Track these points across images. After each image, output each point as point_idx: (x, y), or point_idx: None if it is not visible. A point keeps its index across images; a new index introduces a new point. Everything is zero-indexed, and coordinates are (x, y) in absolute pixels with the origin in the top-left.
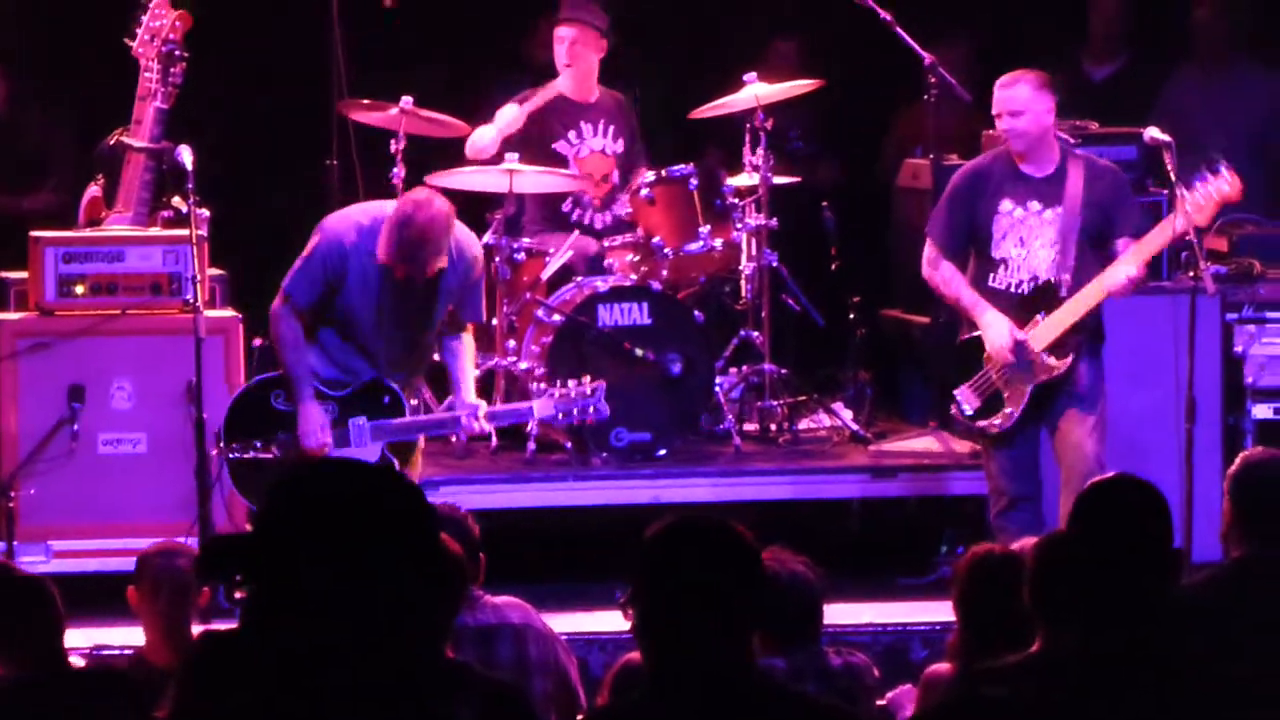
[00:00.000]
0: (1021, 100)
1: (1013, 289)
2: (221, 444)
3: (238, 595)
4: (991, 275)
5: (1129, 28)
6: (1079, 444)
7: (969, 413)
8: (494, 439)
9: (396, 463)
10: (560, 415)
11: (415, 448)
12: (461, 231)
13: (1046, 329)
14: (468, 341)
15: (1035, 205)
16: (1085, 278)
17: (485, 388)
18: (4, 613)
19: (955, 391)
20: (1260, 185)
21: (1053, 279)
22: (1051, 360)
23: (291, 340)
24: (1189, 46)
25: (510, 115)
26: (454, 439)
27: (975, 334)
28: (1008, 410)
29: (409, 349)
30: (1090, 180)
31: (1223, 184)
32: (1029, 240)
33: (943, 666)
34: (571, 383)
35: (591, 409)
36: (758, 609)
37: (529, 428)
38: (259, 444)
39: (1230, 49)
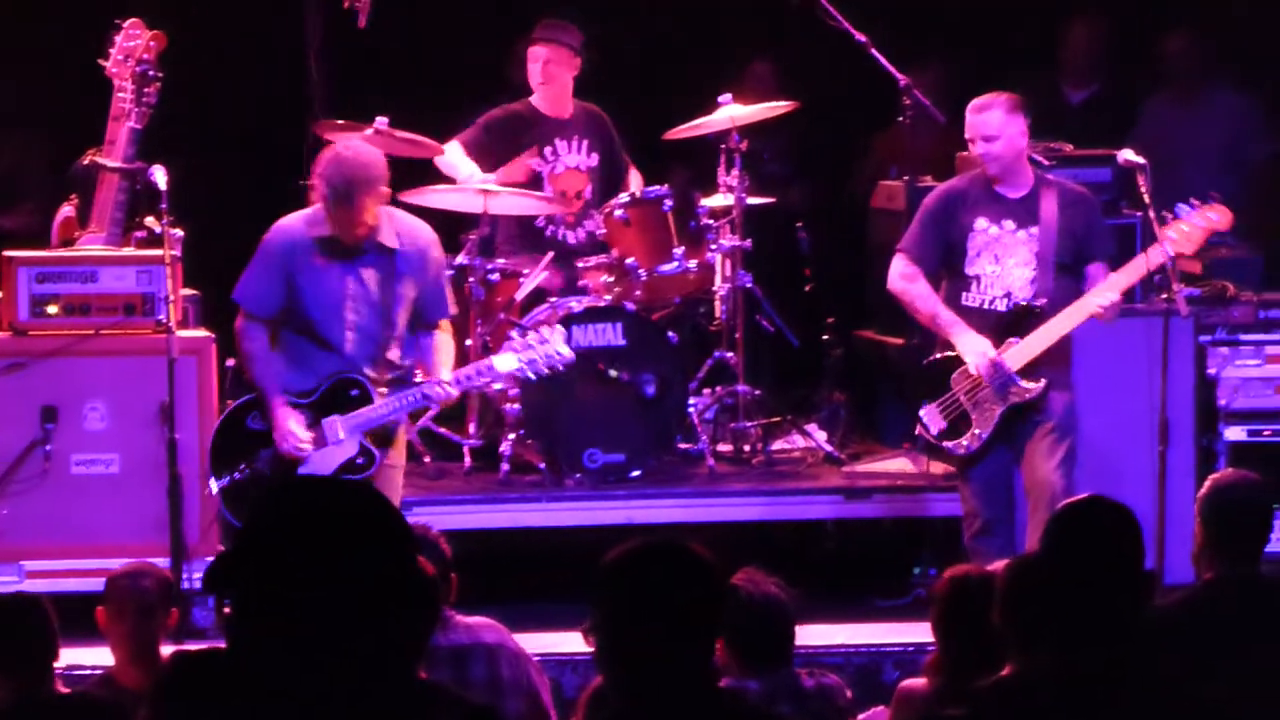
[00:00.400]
0: (995, 125)
1: (986, 305)
2: (213, 482)
3: (226, 612)
4: (965, 293)
5: (1104, 53)
6: (1047, 477)
7: (934, 432)
8: (468, 460)
9: (379, 453)
10: (523, 366)
11: (396, 433)
12: (407, 216)
13: (1021, 351)
14: (440, 336)
15: (1010, 224)
16: (1058, 302)
17: (460, 409)
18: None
19: (920, 410)
20: (1234, 205)
21: (1028, 301)
22: (1024, 383)
23: (257, 353)
24: (1163, 73)
25: (474, 177)
26: (427, 459)
27: (943, 355)
28: (976, 432)
29: (373, 340)
30: (1064, 205)
31: (1211, 214)
32: (1003, 258)
33: (918, 681)
34: (531, 333)
35: (556, 353)
36: (718, 628)
37: (503, 448)
38: (243, 466)
39: (1203, 74)
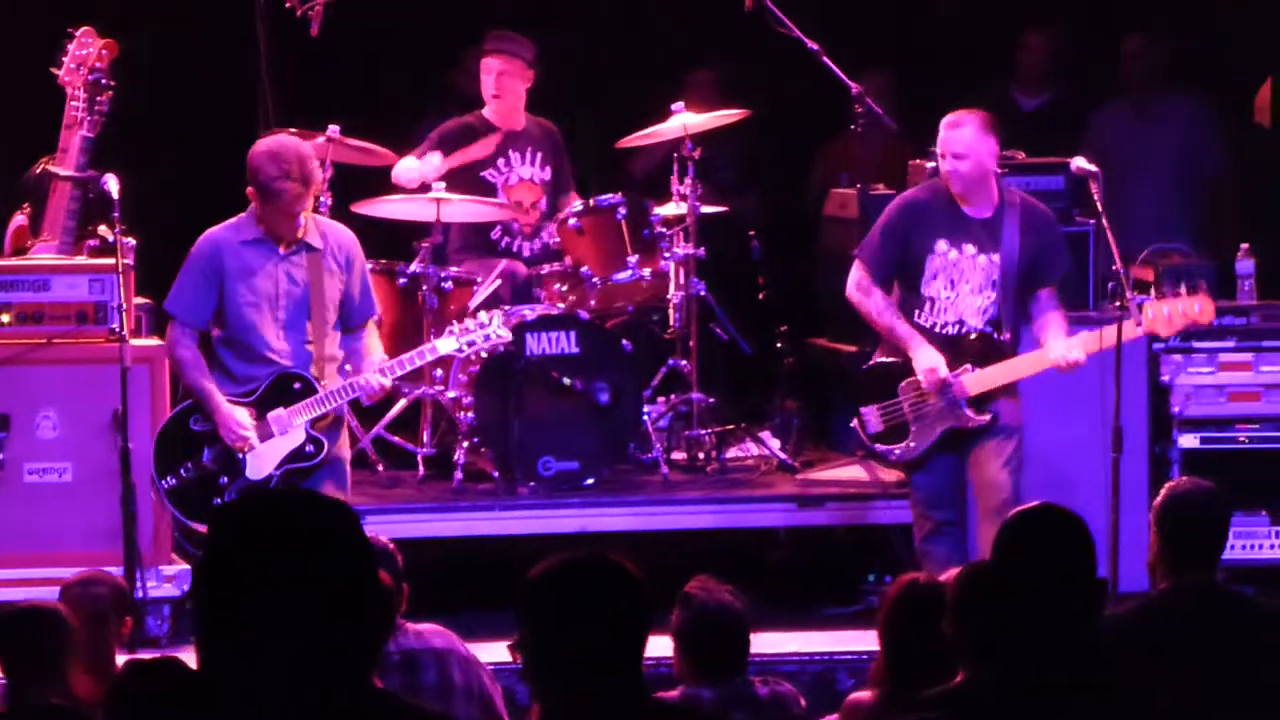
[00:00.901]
0: (966, 143)
1: (936, 328)
2: (158, 482)
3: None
4: (917, 310)
5: (1058, 63)
6: (994, 480)
7: (870, 432)
8: (421, 468)
9: (326, 441)
10: (464, 348)
11: (340, 426)
12: (325, 219)
13: (975, 381)
14: (367, 336)
15: (970, 249)
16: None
17: (413, 417)
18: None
19: (862, 409)
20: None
21: (983, 329)
22: (970, 412)
23: (190, 359)
24: (1118, 79)
25: (434, 163)
26: (380, 468)
27: (886, 360)
28: (911, 444)
29: (307, 337)
30: (1026, 226)
31: (1196, 305)
32: (959, 283)
33: (864, 694)
34: (469, 319)
35: (494, 334)
36: (645, 641)
37: (456, 457)
38: (189, 464)
39: (1156, 81)
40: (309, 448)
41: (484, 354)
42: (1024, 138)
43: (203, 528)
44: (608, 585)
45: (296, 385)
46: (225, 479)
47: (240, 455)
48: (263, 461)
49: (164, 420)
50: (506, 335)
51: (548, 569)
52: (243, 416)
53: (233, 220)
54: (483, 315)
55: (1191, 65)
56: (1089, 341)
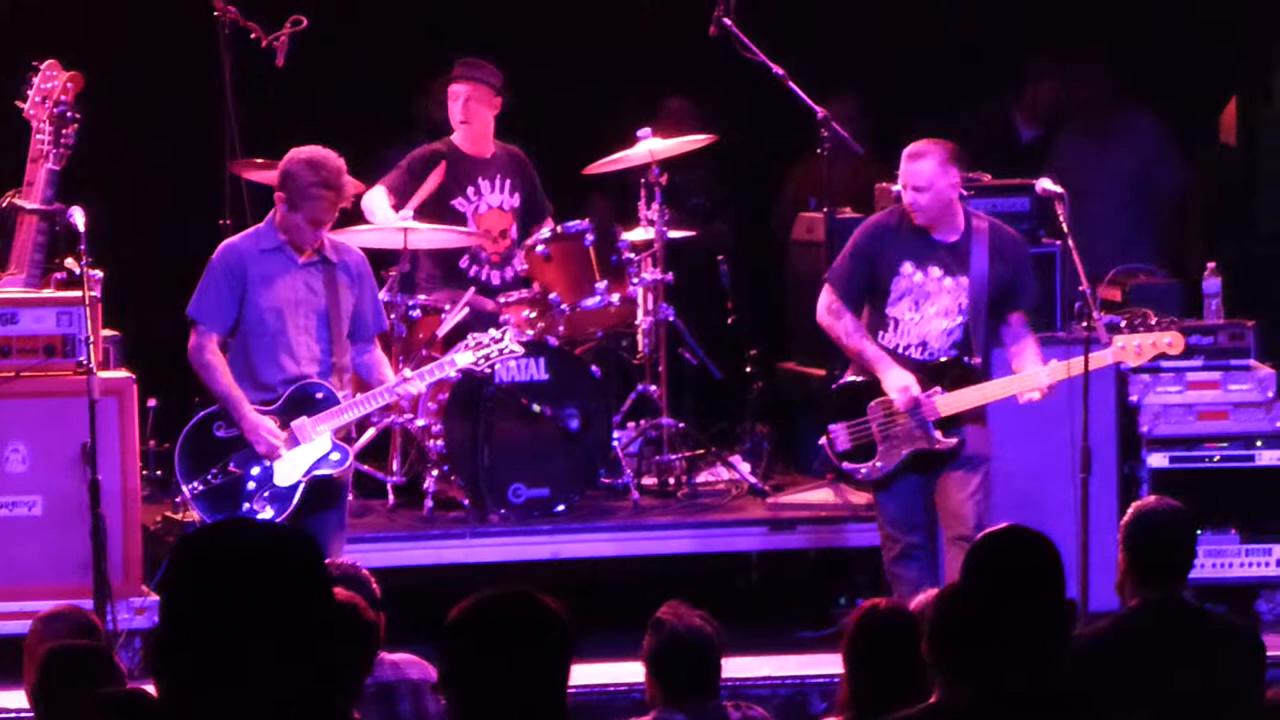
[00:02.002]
0: (926, 176)
1: (900, 350)
2: (183, 486)
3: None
4: (882, 332)
5: (1063, 108)
6: (958, 510)
7: (838, 450)
8: (391, 497)
9: (349, 447)
10: (479, 361)
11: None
12: (338, 238)
13: (946, 403)
14: (374, 349)
15: (936, 272)
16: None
17: (382, 446)
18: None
19: (831, 426)
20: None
21: (949, 353)
22: (938, 434)
23: (217, 365)
24: (1073, 104)
25: (407, 216)
26: (350, 497)
27: (855, 379)
28: (877, 464)
29: (325, 347)
30: (994, 253)
31: (1166, 338)
32: (924, 305)
33: None
34: (483, 333)
35: (509, 349)
36: (566, 675)
37: (426, 485)
38: (215, 470)
39: (1111, 104)
40: (334, 455)
41: (498, 366)
42: (1020, 166)
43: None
44: (523, 623)
45: (319, 394)
46: (253, 485)
47: (267, 463)
48: (290, 469)
49: (188, 426)
50: (519, 350)
51: (463, 609)
52: (272, 424)
53: (250, 230)
54: (496, 330)
55: (1148, 83)
56: (1057, 371)
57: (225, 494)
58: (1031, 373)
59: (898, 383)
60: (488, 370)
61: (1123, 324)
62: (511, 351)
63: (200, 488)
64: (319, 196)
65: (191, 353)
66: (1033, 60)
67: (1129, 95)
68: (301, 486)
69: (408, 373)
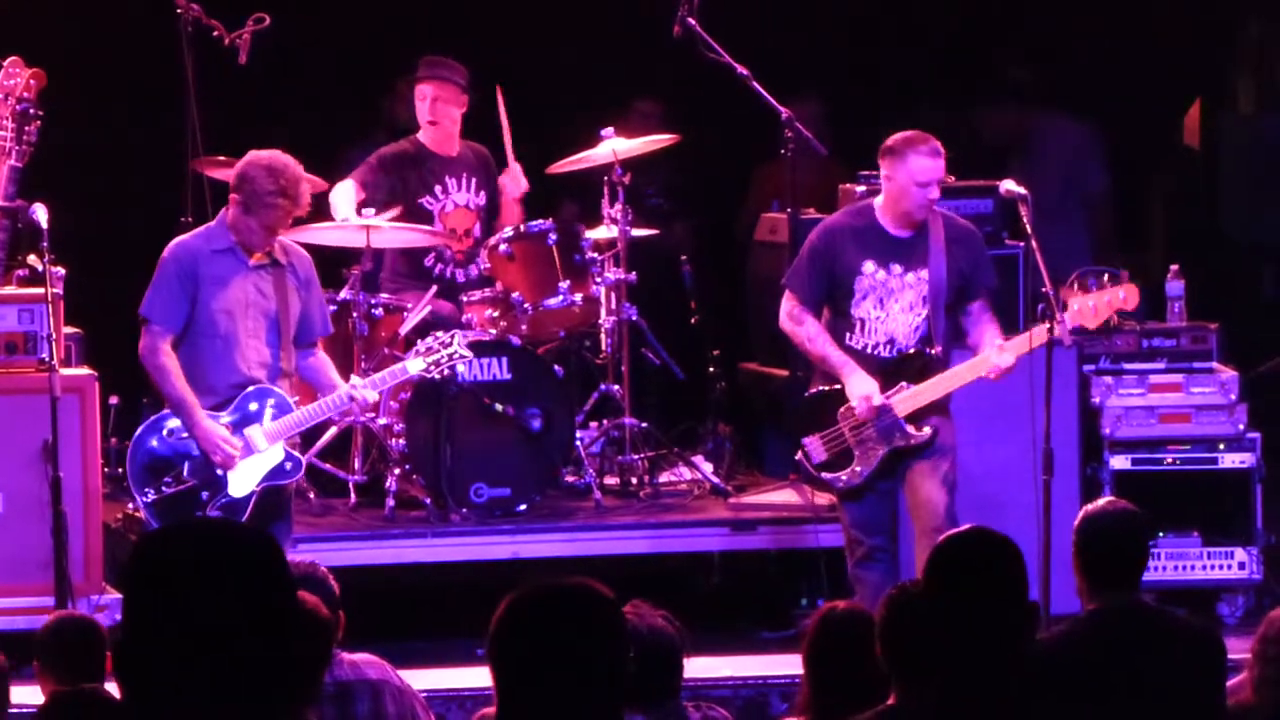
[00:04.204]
0: (942, 169)
1: (868, 350)
2: (136, 496)
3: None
4: (849, 333)
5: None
6: (929, 498)
7: (814, 462)
8: (353, 496)
9: (300, 456)
10: (430, 368)
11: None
12: (286, 239)
13: (910, 399)
14: (319, 351)
15: (897, 268)
16: (945, 341)
17: (344, 444)
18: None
19: (804, 440)
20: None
21: (916, 347)
22: (910, 429)
23: (171, 368)
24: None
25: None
26: (311, 496)
27: (824, 388)
28: (857, 469)
29: (273, 350)
30: (951, 242)
31: (1121, 292)
32: (888, 302)
33: None
34: (431, 339)
35: (458, 355)
36: (626, 671)
37: (388, 484)
38: (169, 479)
39: (1037, 108)
40: (287, 464)
41: (447, 372)
42: (985, 167)
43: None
44: (592, 615)
45: (272, 401)
46: (206, 494)
47: (221, 472)
48: (244, 479)
49: (138, 432)
50: (469, 354)
51: (526, 597)
52: (225, 432)
53: (202, 229)
54: (444, 335)
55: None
56: (1019, 344)
57: (179, 503)
58: (989, 351)
59: (858, 391)
60: (438, 376)
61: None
62: (461, 356)
63: (153, 496)
64: (275, 205)
65: (143, 353)
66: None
67: (1076, 96)
68: (255, 496)
69: (357, 380)
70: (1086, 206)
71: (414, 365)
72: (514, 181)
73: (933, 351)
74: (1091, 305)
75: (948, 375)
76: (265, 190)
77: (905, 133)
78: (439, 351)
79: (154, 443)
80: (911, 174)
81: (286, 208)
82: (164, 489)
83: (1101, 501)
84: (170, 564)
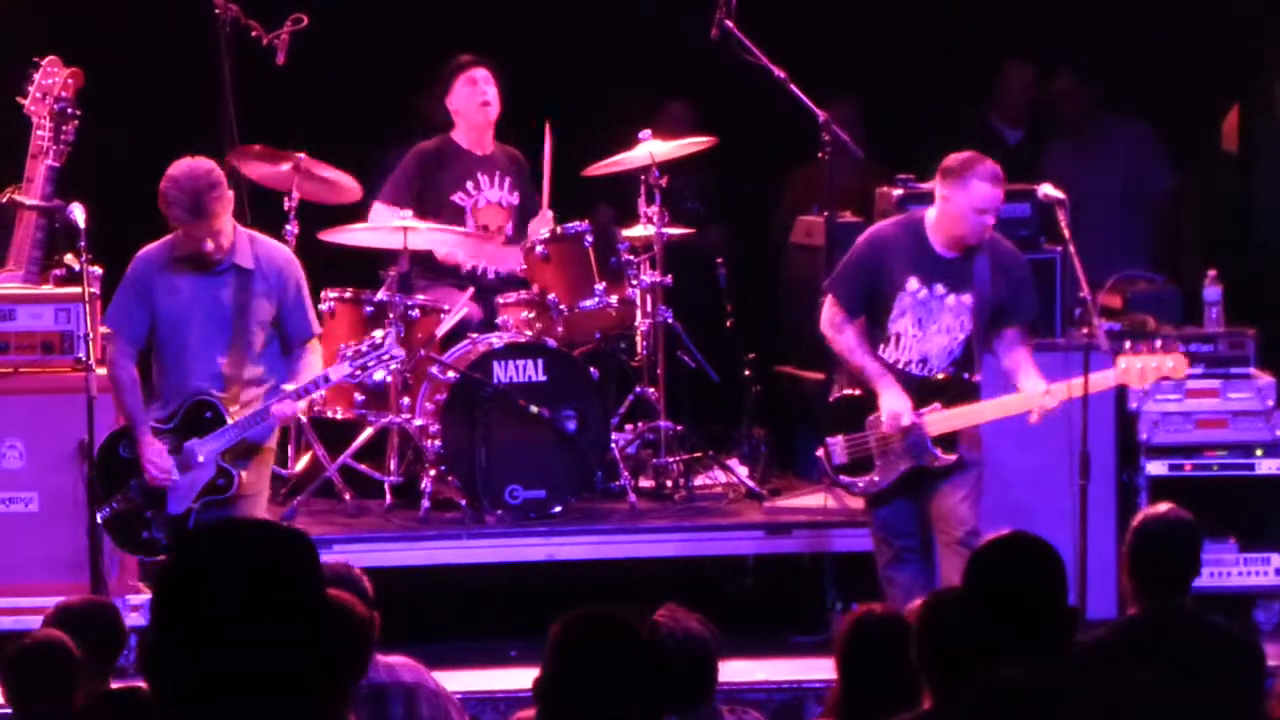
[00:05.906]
0: (1001, 197)
1: (900, 365)
2: (94, 509)
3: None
4: (883, 346)
5: (1037, 95)
6: (953, 512)
7: (835, 463)
8: (388, 497)
9: (237, 473)
10: (356, 371)
11: (256, 453)
12: (267, 239)
13: (943, 420)
14: (308, 356)
15: (940, 289)
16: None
17: (379, 446)
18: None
19: (829, 439)
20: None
21: (948, 368)
22: (938, 451)
23: (126, 382)
24: (1056, 114)
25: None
26: (347, 497)
27: (852, 393)
28: (874, 478)
29: (229, 359)
30: (996, 269)
31: (1170, 360)
32: (926, 323)
33: None
34: (366, 341)
35: (387, 357)
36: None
37: (423, 485)
38: (119, 497)
39: (1093, 112)
40: (220, 481)
41: (382, 374)
42: (1010, 169)
43: (133, 559)
44: (633, 652)
45: (208, 414)
46: (150, 513)
47: (159, 490)
48: (181, 495)
49: (98, 446)
50: (400, 353)
51: (577, 624)
52: (161, 454)
53: (167, 238)
54: (376, 334)
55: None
56: (1058, 392)
57: (127, 521)
58: (1032, 394)
59: (891, 407)
60: (361, 376)
61: (1121, 330)
62: (392, 356)
63: (107, 513)
64: (177, 219)
65: (107, 365)
66: (1004, 67)
67: (1116, 100)
68: (194, 513)
69: (287, 387)
70: (1148, 206)
71: (336, 371)
72: (543, 225)
73: (971, 378)
74: (1139, 368)
75: (988, 406)
76: (164, 203)
77: (965, 154)
78: (367, 354)
79: (110, 457)
80: (971, 200)
81: (184, 219)
82: (115, 506)
83: (1162, 507)
84: (203, 564)
